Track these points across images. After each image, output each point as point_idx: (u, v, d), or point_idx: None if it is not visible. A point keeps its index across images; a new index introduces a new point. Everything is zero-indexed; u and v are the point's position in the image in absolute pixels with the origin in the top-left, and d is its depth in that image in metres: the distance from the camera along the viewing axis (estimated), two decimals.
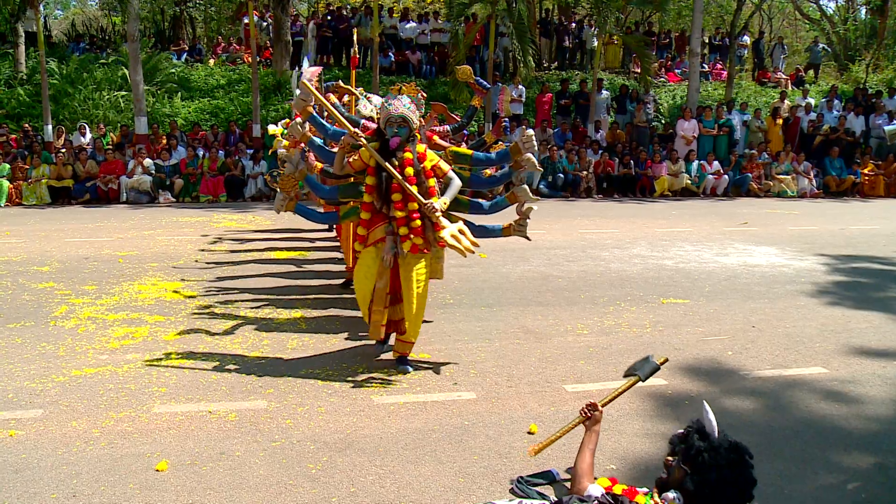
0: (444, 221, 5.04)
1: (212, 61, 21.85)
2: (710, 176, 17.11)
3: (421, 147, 5.24)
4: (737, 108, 19.05)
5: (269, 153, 13.66)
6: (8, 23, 19.94)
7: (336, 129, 5.51)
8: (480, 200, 5.76)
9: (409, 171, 5.07)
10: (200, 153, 15.78)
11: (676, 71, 23.36)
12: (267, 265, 8.83)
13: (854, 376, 5.32)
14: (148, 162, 15.18)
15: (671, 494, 2.87)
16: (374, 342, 5.69)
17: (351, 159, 5.18)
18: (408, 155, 5.11)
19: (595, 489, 3.05)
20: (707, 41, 24.66)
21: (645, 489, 3.09)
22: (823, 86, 22.90)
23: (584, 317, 6.78)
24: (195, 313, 6.74)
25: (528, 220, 5.56)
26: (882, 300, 7.57)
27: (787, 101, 19.85)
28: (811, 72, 24.96)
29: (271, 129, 9.22)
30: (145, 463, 3.82)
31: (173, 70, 20.01)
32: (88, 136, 16.40)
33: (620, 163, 16.90)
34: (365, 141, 5.07)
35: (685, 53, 22.70)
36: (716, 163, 17.33)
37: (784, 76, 23.98)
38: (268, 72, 20.05)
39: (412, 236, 5.10)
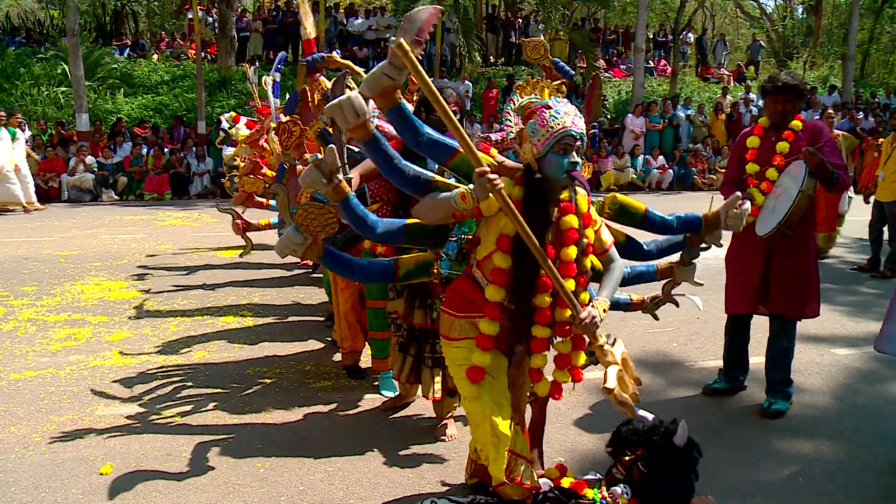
0: (609, 348, 3.01)
1: (155, 56, 21.41)
2: (656, 170, 17.41)
3: (583, 197, 3.07)
4: (681, 104, 19.43)
5: (229, 167, 13.15)
6: None
7: (434, 136, 2.99)
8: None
9: (572, 252, 2.94)
10: (145, 150, 15.50)
11: (622, 66, 23.71)
12: (214, 264, 8.71)
13: (794, 365, 5.45)
14: (90, 159, 14.85)
15: (619, 489, 2.93)
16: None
17: (462, 204, 2.82)
18: (570, 221, 2.95)
19: (543, 483, 3.09)
20: (651, 37, 25.08)
21: (596, 475, 3.15)
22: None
23: None
24: (140, 313, 6.62)
25: (665, 303, 3.98)
26: (821, 291, 7.74)
27: (728, 97, 20.30)
28: (752, 68, 25.60)
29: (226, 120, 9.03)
30: (89, 467, 3.74)
31: (115, 65, 19.56)
32: (27, 132, 15.95)
33: None
34: (502, 190, 2.74)
35: (630, 49, 23.05)
36: (661, 157, 17.64)
37: (726, 72, 24.57)
38: (213, 67, 19.75)
39: (556, 371, 3.12)
